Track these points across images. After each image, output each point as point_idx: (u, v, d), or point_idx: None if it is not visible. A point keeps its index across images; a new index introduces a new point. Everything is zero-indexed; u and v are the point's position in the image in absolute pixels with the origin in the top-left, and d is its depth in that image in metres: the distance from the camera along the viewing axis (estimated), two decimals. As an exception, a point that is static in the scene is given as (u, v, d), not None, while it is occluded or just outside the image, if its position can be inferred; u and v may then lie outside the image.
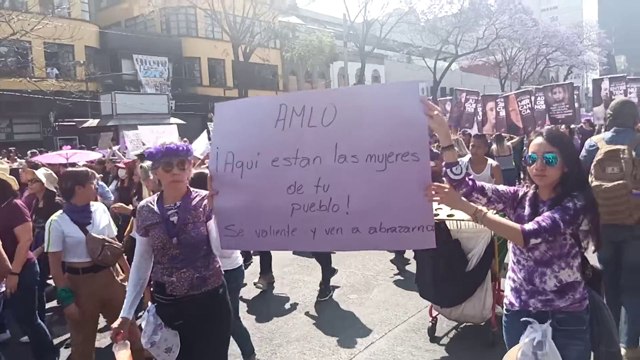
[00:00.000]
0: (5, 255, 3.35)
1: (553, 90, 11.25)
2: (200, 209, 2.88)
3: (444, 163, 2.37)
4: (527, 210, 2.37)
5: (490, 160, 5.87)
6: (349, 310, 5.62)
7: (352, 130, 2.28)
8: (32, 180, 5.53)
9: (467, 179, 2.37)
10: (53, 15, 21.62)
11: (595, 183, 3.66)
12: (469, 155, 5.99)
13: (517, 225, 2.20)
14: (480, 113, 12.68)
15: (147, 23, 32.60)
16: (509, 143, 10.13)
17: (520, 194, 2.47)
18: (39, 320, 4.50)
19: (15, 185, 4.54)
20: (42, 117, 25.10)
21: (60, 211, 3.92)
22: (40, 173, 5.40)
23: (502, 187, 2.51)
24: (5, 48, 21.24)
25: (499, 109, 11.92)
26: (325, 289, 6.01)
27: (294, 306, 5.88)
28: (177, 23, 32.88)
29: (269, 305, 5.97)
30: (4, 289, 3.77)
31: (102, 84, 27.75)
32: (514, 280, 2.43)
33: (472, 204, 2.29)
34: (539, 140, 2.32)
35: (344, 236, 2.32)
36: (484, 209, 2.26)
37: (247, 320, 5.50)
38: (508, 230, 2.23)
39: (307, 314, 5.65)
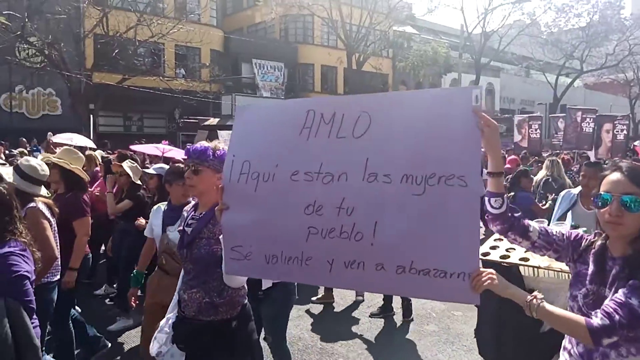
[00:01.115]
0: (53, 244, 3.37)
1: None
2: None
3: (486, 189, 1.94)
4: (590, 268, 1.87)
5: None
6: (453, 327, 5.53)
7: (387, 143, 1.91)
8: (120, 172, 5.60)
9: (509, 214, 1.96)
10: (186, 20, 23.53)
11: None
12: (579, 187, 4.97)
13: (582, 320, 1.69)
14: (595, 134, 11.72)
15: (267, 29, 34.22)
16: None
17: (584, 243, 1.95)
18: (71, 322, 4.26)
19: (86, 178, 4.48)
20: (168, 114, 27.30)
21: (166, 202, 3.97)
22: (126, 166, 5.50)
23: (557, 230, 2.03)
24: (143, 49, 23.45)
25: (617, 131, 10.94)
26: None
27: (396, 314, 5.84)
28: (295, 30, 34.16)
29: (366, 312, 6.00)
30: (57, 277, 3.68)
31: (223, 86, 29.60)
32: (570, 354, 1.93)
33: (524, 292, 1.78)
34: (616, 176, 1.81)
35: (365, 273, 1.91)
36: (539, 295, 1.76)
37: (346, 324, 5.63)
38: (571, 327, 1.72)
39: (410, 324, 5.64)
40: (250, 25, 35.42)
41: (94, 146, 11.57)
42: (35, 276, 2.52)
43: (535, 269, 3.41)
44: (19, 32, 17.24)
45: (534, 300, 1.71)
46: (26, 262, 2.45)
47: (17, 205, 2.64)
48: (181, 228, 2.66)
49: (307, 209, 2.01)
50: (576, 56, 35.23)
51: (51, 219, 3.53)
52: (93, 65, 21.03)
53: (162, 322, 2.65)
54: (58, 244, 3.60)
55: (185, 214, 2.73)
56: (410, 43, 30.27)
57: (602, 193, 1.81)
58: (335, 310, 6.14)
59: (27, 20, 17.17)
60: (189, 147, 2.63)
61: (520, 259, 3.44)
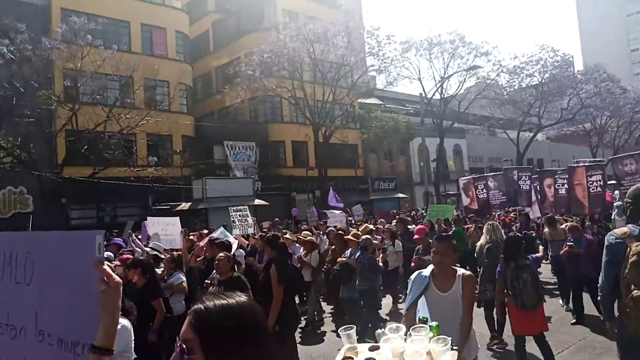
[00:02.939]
0: None
1: (623, 162, 10.03)
2: None
3: None
4: None
5: (460, 271, 3.92)
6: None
7: (47, 296, 1.64)
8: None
9: None
10: (155, 110, 24.47)
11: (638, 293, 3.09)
12: (431, 267, 3.99)
13: None
14: (538, 190, 11.91)
15: (237, 111, 35.49)
16: (564, 226, 8.74)
17: None
18: None
19: None
20: (142, 201, 27.63)
21: None
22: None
23: None
24: (115, 141, 24.16)
25: (558, 185, 10.94)
26: None
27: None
28: (264, 110, 35.48)
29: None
30: None
31: (195, 169, 30.25)
32: None
33: None
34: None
35: None
36: None
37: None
38: None
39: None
40: (221, 108, 36.72)
41: None
42: None
43: None
44: (-13, 137, 17.82)
45: None
46: None
47: None
48: None
49: None
50: (533, 113, 36.96)
51: None
52: (64, 159, 21.52)
53: None
54: None
55: None
56: (372, 114, 31.56)
57: None
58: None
59: (-4, 125, 17.82)
60: None
61: None
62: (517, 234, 8.39)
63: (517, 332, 5.72)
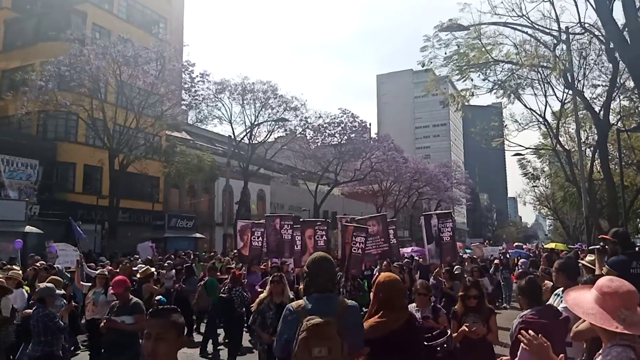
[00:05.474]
0: None
1: (367, 223, 10.17)
2: None
3: None
4: None
5: None
6: None
7: None
8: None
9: None
10: None
11: None
12: None
13: None
14: (299, 241, 11.38)
15: (22, 124, 31.14)
16: None
17: None
18: None
19: None
20: None
21: None
22: None
23: None
24: None
25: (318, 237, 10.67)
26: None
27: None
28: (55, 127, 31.79)
29: None
30: None
31: (-45, 183, 25.37)
32: None
33: None
34: None
35: None
36: None
37: None
38: None
39: None
40: (2, 117, 31.90)
41: None
42: None
43: None
44: None
45: None
46: None
47: None
48: None
49: None
50: (331, 169, 39.95)
51: None
52: None
53: None
54: None
55: None
56: (177, 149, 30.60)
57: None
58: None
59: None
60: None
61: None
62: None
63: None
